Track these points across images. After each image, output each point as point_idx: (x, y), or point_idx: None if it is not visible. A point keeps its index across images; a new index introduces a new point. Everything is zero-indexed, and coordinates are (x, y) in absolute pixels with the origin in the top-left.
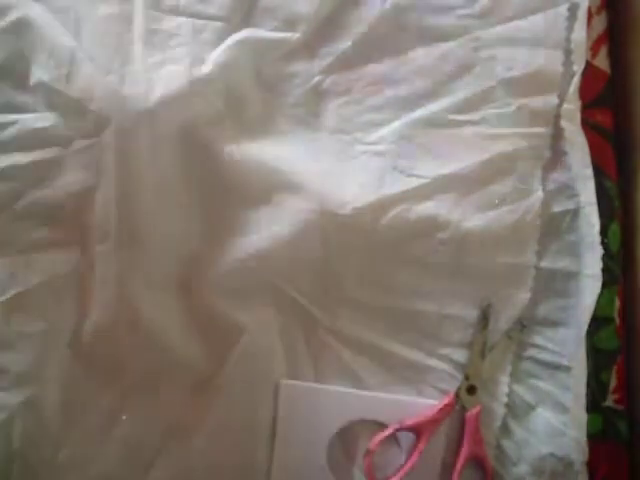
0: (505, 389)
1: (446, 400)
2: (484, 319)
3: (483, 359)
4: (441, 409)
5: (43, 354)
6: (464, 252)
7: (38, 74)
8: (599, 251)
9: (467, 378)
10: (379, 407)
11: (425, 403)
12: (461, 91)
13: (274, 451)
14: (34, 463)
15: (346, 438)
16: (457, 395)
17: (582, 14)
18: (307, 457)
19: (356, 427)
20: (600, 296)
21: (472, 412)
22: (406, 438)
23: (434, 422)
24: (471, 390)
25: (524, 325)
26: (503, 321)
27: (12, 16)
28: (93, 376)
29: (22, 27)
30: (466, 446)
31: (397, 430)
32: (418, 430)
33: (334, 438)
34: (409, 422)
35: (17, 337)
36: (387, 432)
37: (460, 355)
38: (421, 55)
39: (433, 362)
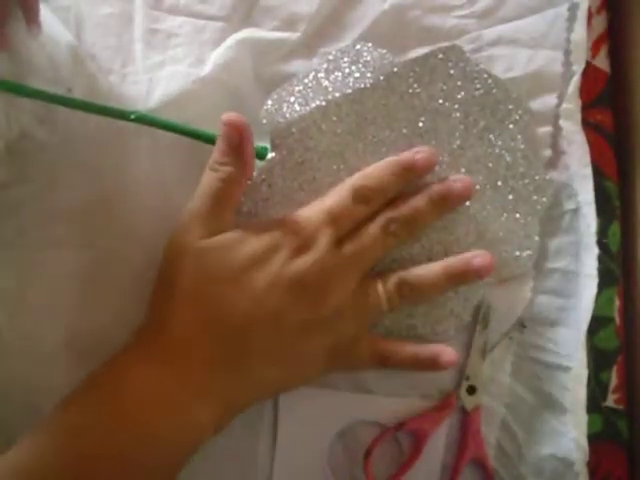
0: (505, 389)
1: (446, 400)
2: (484, 319)
3: (483, 359)
4: (441, 409)
5: (43, 354)
6: None
7: None
8: (595, 251)
9: (467, 378)
10: (379, 408)
11: (425, 403)
12: None
13: (275, 453)
14: None
15: (346, 439)
16: (457, 395)
17: (582, 14)
18: (308, 458)
19: (356, 428)
20: (600, 296)
21: (472, 412)
22: (406, 439)
23: (434, 422)
24: (471, 390)
25: (524, 325)
26: (503, 321)
27: None
28: None
29: None
30: (466, 446)
31: (397, 431)
32: (418, 431)
33: (334, 439)
34: (409, 423)
35: (18, 337)
36: (387, 433)
37: (460, 355)
38: None
39: None
